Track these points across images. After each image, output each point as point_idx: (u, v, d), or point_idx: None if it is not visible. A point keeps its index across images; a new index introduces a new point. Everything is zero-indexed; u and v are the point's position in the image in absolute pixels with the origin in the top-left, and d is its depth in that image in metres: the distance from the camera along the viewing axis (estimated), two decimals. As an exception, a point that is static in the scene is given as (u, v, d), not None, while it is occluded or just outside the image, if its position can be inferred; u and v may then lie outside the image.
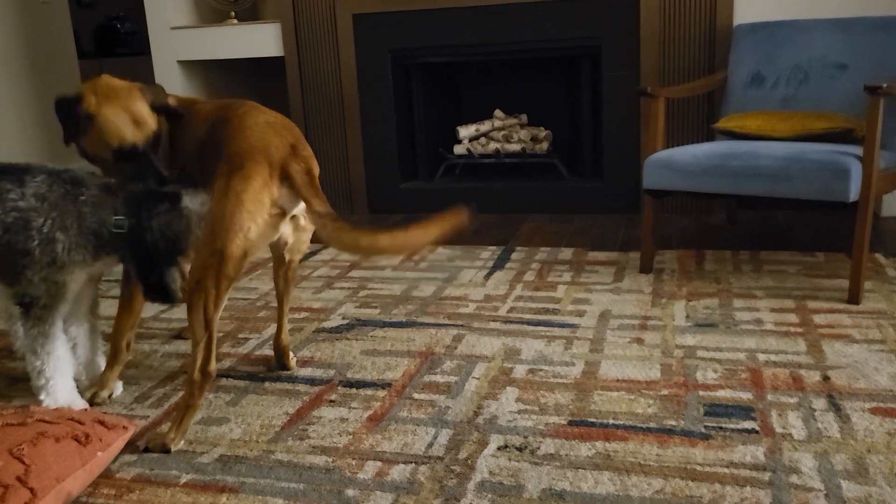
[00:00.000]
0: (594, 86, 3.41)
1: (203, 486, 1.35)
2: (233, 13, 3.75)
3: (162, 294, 1.52)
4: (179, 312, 2.28)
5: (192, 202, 1.51)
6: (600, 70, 3.25)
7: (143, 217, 1.48)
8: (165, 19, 3.67)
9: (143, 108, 1.65)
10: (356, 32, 3.43)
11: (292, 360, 1.85)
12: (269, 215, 1.46)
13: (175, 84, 3.72)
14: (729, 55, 2.82)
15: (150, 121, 1.66)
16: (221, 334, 2.08)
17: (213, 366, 1.48)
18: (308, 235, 1.66)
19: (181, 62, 3.72)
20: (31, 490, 1.19)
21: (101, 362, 1.74)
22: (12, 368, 1.92)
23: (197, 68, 3.82)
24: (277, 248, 1.69)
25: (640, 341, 1.90)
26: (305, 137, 3.56)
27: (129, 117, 1.63)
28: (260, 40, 3.58)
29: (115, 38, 6.42)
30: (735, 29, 2.84)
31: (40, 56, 4.37)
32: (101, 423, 1.39)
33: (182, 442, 1.50)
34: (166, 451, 1.46)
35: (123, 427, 1.42)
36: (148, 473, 1.40)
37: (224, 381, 1.78)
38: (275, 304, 2.31)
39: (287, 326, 1.84)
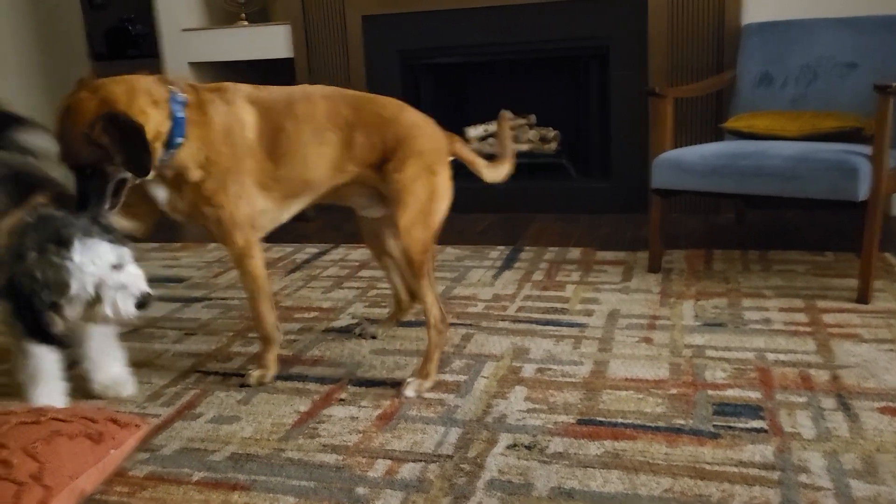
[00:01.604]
0: (602, 86, 3.41)
1: (215, 484, 1.36)
2: (243, 15, 3.77)
3: (42, 337, 1.45)
4: (190, 313, 2.29)
5: (84, 252, 1.41)
6: (608, 70, 3.26)
7: (25, 252, 1.40)
8: (177, 21, 3.70)
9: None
10: (365, 34, 3.45)
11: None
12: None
13: (185, 85, 3.74)
14: (737, 55, 2.82)
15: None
16: (231, 334, 2.10)
17: (446, 316, 1.76)
18: None
19: (192, 64, 3.75)
20: (46, 487, 1.20)
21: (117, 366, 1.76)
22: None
23: (208, 70, 3.84)
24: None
25: (648, 341, 1.90)
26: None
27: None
28: (270, 42, 3.60)
29: (126, 40, 6.45)
30: (743, 28, 2.84)
31: (53, 58, 4.40)
32: (114, 421, 1.40)
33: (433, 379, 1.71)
34: (424, 390, 1.68)
35: (136, 425, 1.44)
36: (160, 471, 1.41)
37: (235, 380, 1.79)
38: (285, 303, 2.32)
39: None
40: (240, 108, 1.66)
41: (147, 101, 1.53)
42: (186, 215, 1.68)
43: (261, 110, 1.68)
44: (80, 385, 1.75)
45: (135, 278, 1.47)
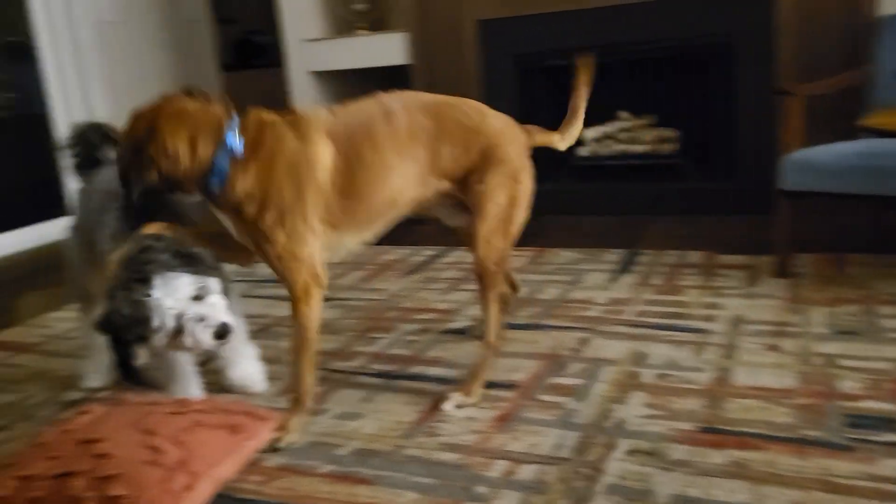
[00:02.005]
0: (725, 84, 3.30)
1: (341, 478, 1.42)
2: (362, 24, 3.89)
3: (125, 372, 1.50)
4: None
5: (163, 288, 1.45)
6: (732, 67, 3.15)
7: (115, 291, 1.47)
8: (299, 32, 3.86)
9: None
10: (480, 38, 3.48)
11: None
12: None
13: (307, 93, 3.90)
14: (873, 48, 2.66)
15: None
16: (354, 333, 2.18)
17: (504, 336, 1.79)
18: None
19: (313, 73, 3.90)
20: (191, 473, 1.30)
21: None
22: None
23: (327, 78, 3.98)
24: None
25: (775, 348, 1.83)
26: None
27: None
28: (387, 49, 3.70)
29: (252, 52, 6.78)
30: (879, 20, 2.68)
31: (186, 70, 4.68)
32: (250, 414, 1.49)
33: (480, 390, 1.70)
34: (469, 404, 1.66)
35: (269, 419, 1.52)
36: (291, 463, 1.49)
37: (357, 379, 1.86)
38: (403, 304, 2.38)
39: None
40: (314, 145, 1.57)
41: (189, 126, 1.50)
42: (252, 248, 1.61)
43: (339, 144, 1.59)
44: (215, 379, 1.86)
45: (214, 309, 1.50)
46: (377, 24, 4.03)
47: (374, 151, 1.60)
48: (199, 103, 1.56)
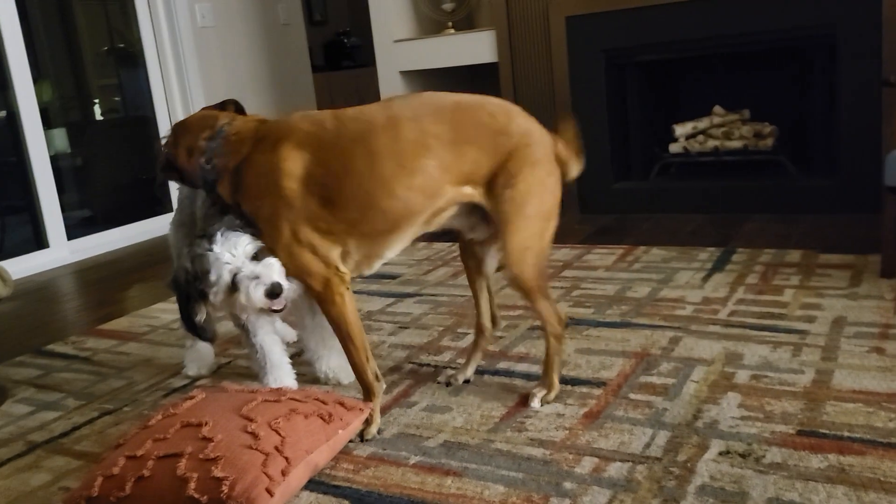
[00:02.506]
0: (827, 76, 3.17)
1: (430, 469, 1.45)
2: (450, 23, 3.92)
3: (189, 326, 1.60)
4: (403, 307, 2.43)
5: (223, 243, 1.53)
6: (835, 59, 3.02)
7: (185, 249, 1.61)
8: (389, 33, 3.92)
9: None
10: (569, 34, 3.45)
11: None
12: None
13: (396, 92, 3.96)
14: None
15: None
16: (441, 328, 2.20)
17: (564, 315, 1.70)
18: None
19: (403, 72, 3.96)
20: (287, 458, 1.34)
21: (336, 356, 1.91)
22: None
23: (416, 77, 4.04)
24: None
25: (880, 351, 1.75)
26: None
27: None
28: (475, 48, 3.72)
29: (341, 53, 6.92)
30: None
31: (281, 72, 4.83)
32: (342, 404, 1.53)
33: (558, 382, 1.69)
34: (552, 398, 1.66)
35: (360, 409, 1.56)
36: (381, 453, 1.52)
37: (446, 373, 1.88)
38: (491, 301, 2.40)
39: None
40: (280, 154, 1.53)
41: (190, 135, 1.62)
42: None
43: (318, 152, 1.53)
44: (306, 370, 1.92)
45: (269, 269, 1.54)
46: (465, 22, 4.05)
47: (368, 160, 1.51)
48: (211, 114, 1.66)
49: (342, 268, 1.58)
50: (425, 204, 1.54)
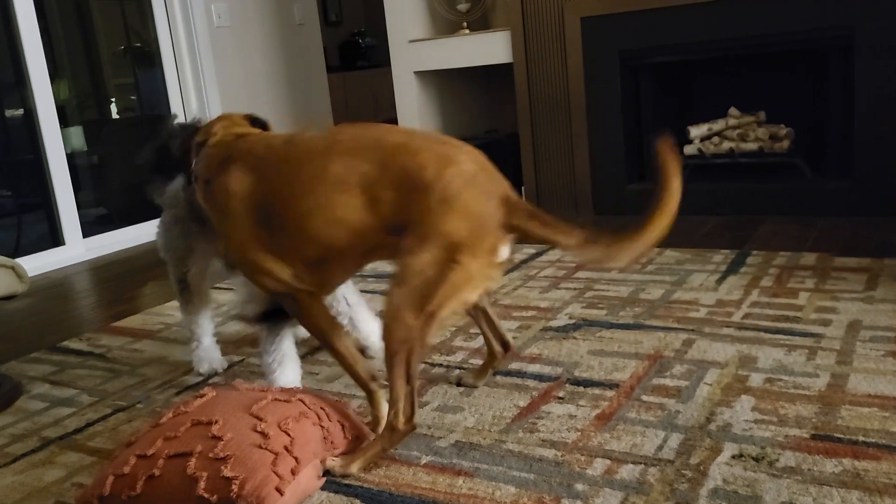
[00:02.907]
0: (844, 78, 3.14)
1: (441, 468, 1.44)
2: (465, 24, 3.92)
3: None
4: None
5: None
6: (851, 61, 3.00)
7: None
8: (404, 33, 3.93)
9: None
10: (584, 35, 3.45)
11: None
12: (489, 279, 1.44)
13: (410, 93, 3.97)
14: None
15: None
16: (454, 328, 2.20)
17: (418, 414, 1.47)
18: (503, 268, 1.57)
19: (417, 73, 3.96)
20: (296, 458, 1.35)
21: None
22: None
23: (430, 77, 4.04)
24: None
25: (896, 355, 1.74)
26: (531, 140, 3.66)
27: None
28: (490, 48, 3.72)
29: (356, 53, 6.94)
30: None
31: (296, 72, 4.84)
32: (343, 426, 1.51)
33: (359, 472, 1.45)
34: (345, 476, 1.44)
35: (357, 438, 1.53)
36: (392, 452, 1.52)
37: (457, 373, 1.88)
38: (503, 301, 2.39)
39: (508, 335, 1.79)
40: (229, 173, 1.57)
41: (193, 141, 1.74)
42: None
43: (264, 174, 1.54)
44: (319, 368, 1.93)
45: None
46: (480, 23, 4.05)
47: (299, 187, 1.49)
48: (212, 123, 1.74)
49: (299, 286, 1.56)
50: (349, 240, 1.47)
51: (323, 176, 1.47)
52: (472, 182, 1.40)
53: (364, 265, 1.60)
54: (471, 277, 1.39)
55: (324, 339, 1.59)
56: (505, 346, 1.78)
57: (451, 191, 1.38)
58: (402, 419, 1.43)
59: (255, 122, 1.79)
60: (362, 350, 1.95)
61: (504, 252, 1.44)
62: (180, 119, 2.00)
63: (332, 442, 1.47)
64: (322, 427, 1.46)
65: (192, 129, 1.80)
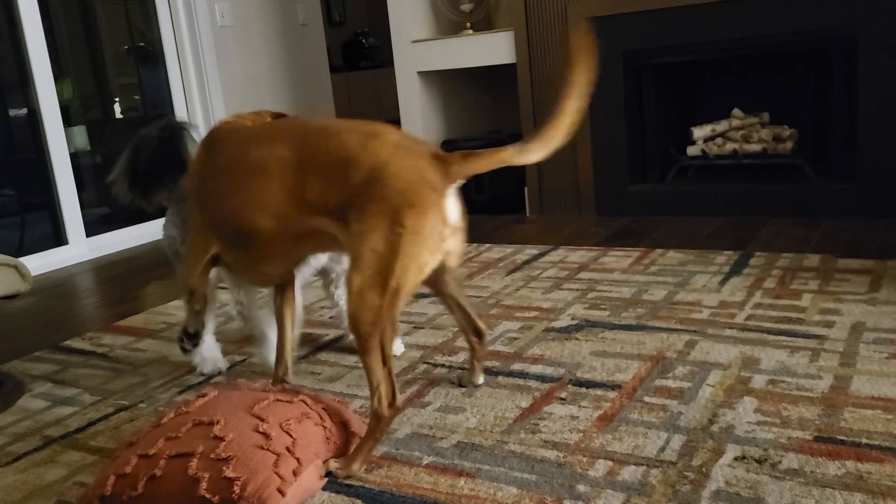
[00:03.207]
0: (847, 79, 3.14)
1: (443, 469, 1.44)
2: (468, 24, 3.92)
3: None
4: (418, 308, 2.43)
5: None
6: (855, 62, 2.99)
7: None
8: (408, 33, 3.93)
9: None
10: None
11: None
12: (442, 240, 1.42)
13: (413, 93, 3.96)
14: None
15: None
16: (456, 329, 2.20)
17: (400, 397, 1.46)
18: (462, 237, 1.52)
19: (420, 73, 3.96)
20: (298, 459, 1.34)
21: None
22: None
23: (433, 77, 4.04)
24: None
25: (899, 357, 1.73)
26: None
27: None
28: (493, 48, 3.71)
29: (360, 53, 6.94)
30: None
31: (299, 72, 4.85)
32: (345, 425, 1.51)
33: (362, 470, 1.45)
34: (348, 476, 1.43)
35: (359, 437, 1.53)
36: (394, 452, 1.52)
37: (459, 374, 1.88)
38: (506, 302, 2.39)
39: (478, 322, 1.76)
40: (196, 154, 1.71)
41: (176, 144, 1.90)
42: None
43: (210, 157, 1.63)
44: (322, 368, 1.92)
45: None
46: (483, 23, 4.05)
47: (227, 173, 1.57)
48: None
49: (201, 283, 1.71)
50: (273, 226, 1.51)
51: (243, 160, 1.54)
52: (397, 148, 1.41)
53: (303, 254, 1.62)
54: (422, 240, 1.37)
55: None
56: (478, 334, 1.75)
57: (379, 161, 1.39)
58: (385, 403, 1.42)
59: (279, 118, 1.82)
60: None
61: (452, 209, 1.44)
62: (164, 122, 1.99)
63: (334, 442, 1.47)
64: (324, 427, 1.46)
65: (175, 130, 1.89)
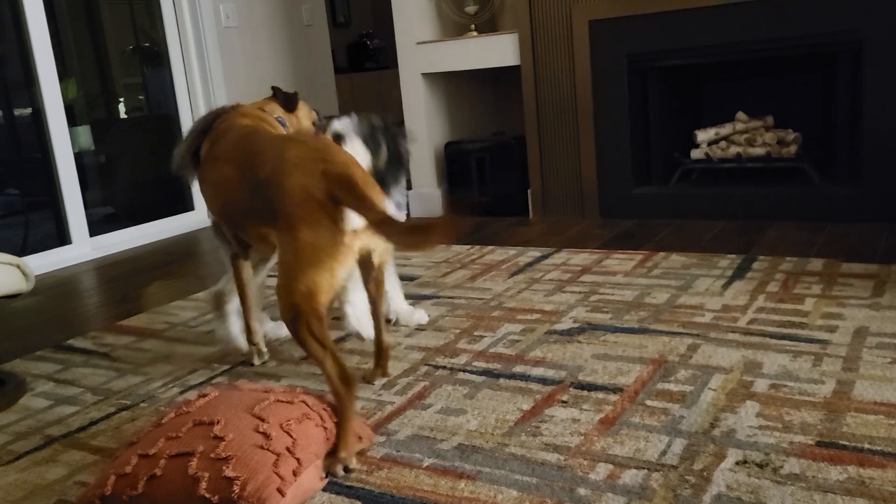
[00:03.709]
0: (852, 83, 3.13)
1: (443, 471, 1.44)
2: (472, 26, 3.92)
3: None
4: (422, 309, 2.43)
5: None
6: (860, 66, 2.99)
7: None
8: (412, 35, 3.93)
9: None
10: (592, 38, 3.44)
11: (389, 365, 1.89)
12: (347, 245, 1.51)
13: (418, 94, 3.96)
14: None
15: None
16: (458, 331, 2.19)
17: (350, 370, 1.50)
18: (383, 233, 1.55)
19: (424, 74, 3.96)
20: (298, 460, 1.34)
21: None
22: (279, 351, 2.17)
23: (437, 79, 4.04)
24: (363, 257, 1.64)
25: (903, 362, 1.72)
26: (538, 143, 3.65)
27: None
28: (498, 50, 3.71)
29: (364, 54, 6.94)
30: None
31: (304, 73, 4.85)
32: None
33: (354, 461, 1.48)
34: (347, 471, 1.46)
35: (359, 438, 1.53)
36: (394, 454, 1.52)
37: (461, 376, 1.88)
38: (508, 304, 2.39)
39: (385, 329, 1.84)
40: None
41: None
42: None
43: (212, 150, 1.90)
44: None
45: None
46: (488, 25, 4.05)
47: (213, 168, 1.87)
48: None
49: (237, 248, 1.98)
50: (241, 223, 1.80)
51: (217, 161, 1.85)
52: (294, 166, 1.55)
53: (269, 247, 1.79)
54: (320, 248, 1.49)
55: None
56: (379, 351, 1.85)
57: (280, 178, 1.56)
58: (337, 381, 1.49)
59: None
60: (388, 320, 2.25)
61: (351, 219, 1.52)
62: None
63: (334, 443, 1.47)
64: (325, 428, 1.46)
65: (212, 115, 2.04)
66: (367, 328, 2.03)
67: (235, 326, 2.14)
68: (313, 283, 1.49)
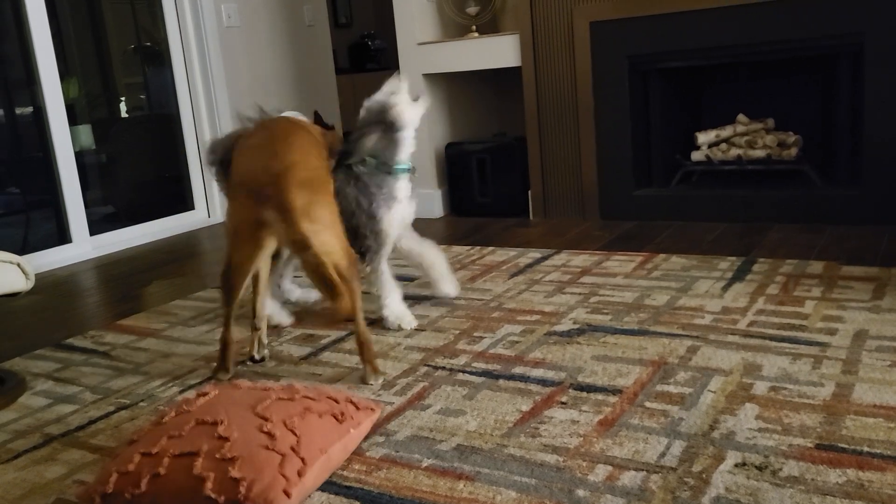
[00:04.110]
0: (853, 85, 3.13)
1: (442, 472, 1.44)
2: (474, 27, 3.92)
3: None
4: (420, 310, 2.43)
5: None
6: (860, 68, 2.99)
7: None
8: (413, 36, 3.93)
9: None
10: (593, 40, 3.44)
11: (381, 363, 2.00)
12: (260, 234, 1.79)
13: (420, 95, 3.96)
14: None
15: None
16: (457, 332, 2.19)
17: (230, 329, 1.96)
18: (286, 230, 1.81)
19: (425, 75, 3.96)
20: (303, 459, 1.34)
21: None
22: (279, 351, 2.17)
23: (439, 80, 4.04)
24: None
25: (902, 365, 1.72)
26: (539, 144, 3.65)
27: None
28: (499, 51, 3.71)
29: (366, 55, 6.95)
30: None
31: (305, 73, 4.85)
32: (353, 403, 1.53)
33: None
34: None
35: (371, 409, 1.55)
36: (393, 455, 1.52)
37: (460, 377, 1.88)
38: (508, 305, 2.39)
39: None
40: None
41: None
42: None
43: (239, 146, 2.00)
44: (322, 370, 1.92)
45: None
46: (489, 26, 4.05)
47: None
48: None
49: None
50: None
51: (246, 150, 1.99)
52: (241, 154, 1.87)
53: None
54: (236, 231, 1.82)
55: None
56: (358, 346, 1.94)
57: (240, 149, 1.89)
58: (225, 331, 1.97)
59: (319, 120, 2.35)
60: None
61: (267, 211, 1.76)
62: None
63: (350, 417, 1.48)
64: (332, 415, 1.46)
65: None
66: (407, 320, 2.27)
67: (269, 304, 2.29)
68: (234, 257, 1.85)
